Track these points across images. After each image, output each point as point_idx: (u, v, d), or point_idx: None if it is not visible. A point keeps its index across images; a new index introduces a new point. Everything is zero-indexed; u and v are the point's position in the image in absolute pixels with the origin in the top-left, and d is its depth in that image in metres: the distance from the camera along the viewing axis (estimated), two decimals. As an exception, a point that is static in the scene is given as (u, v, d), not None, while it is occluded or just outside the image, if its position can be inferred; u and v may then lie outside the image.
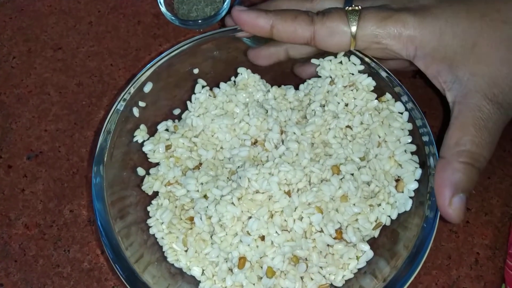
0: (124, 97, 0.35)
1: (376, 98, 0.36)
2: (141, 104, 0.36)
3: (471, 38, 0.31)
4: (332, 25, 0.33)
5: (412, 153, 0.34)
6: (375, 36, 0.32)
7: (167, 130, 0.39)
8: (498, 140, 0.32)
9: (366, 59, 0.36)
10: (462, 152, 0.30)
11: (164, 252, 0.35)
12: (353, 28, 0.33)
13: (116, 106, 0.35)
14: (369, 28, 0.32)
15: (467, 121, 0.30)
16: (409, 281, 0.30)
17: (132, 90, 0.35)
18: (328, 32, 0.33)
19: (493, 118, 0.30)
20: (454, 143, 0.30)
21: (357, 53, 0.36)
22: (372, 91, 0.36)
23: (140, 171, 0.37)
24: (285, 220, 0.33)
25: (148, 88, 0.36)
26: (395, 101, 0.36)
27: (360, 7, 0.33)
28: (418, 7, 0.32)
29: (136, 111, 0.36)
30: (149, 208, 0.36)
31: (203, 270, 0.34)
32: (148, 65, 0.36)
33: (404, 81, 0.45)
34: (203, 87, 0.39)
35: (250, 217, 0.33)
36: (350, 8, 0.33)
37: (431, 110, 0.45)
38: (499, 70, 0.30)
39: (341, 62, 0.37)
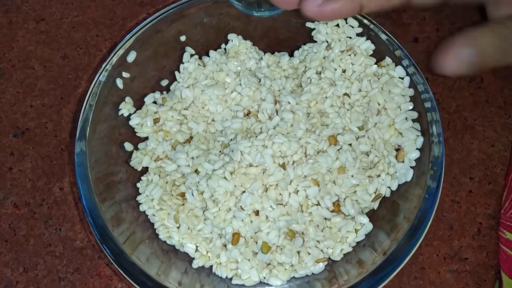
0: (106, 67, 0.33)
1: (376, 63, 0.35)
2: (125, 74, 0.35)
3: None
4: None
5: (414, 120, 0.33)
6: None
7: (155, 102, 0.37)
8: None
9: (365, 21, 0.34)
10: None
11: (155, 229, 0.34)
12: None
13: (98, 77, 0.33)
14: None
15: None
16: (411, 254, 0.29)
17: (114, 59, 0.33)
18: None
19: None
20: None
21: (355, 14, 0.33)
22: (371, 55, 0.35)
23: (128, 146, 0.36)
24: (280, 194, 0.32)
25: (131, 57, 0.34)
26: (396, 65, 0.34)
27: None
28: None
29: (120, 83, 0.34)
30: (138, 185, 0.35)
31: (196, 247, 0.34)
32: (131, 33, 0.34)
33: (406, 45, 0.43)
34: (191, 55, 0.37)
35: (243, 192, 0.32)
36: None
37: (433, 76, 0.43)
38: None
39: (337, 25, 0.35)
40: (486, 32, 0.26)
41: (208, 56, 0.38)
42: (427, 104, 0.31)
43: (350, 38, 0.35)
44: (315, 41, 0.36)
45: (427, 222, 0.28)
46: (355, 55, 0.35)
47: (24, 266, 0.38)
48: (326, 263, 0.32)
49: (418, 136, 0.32)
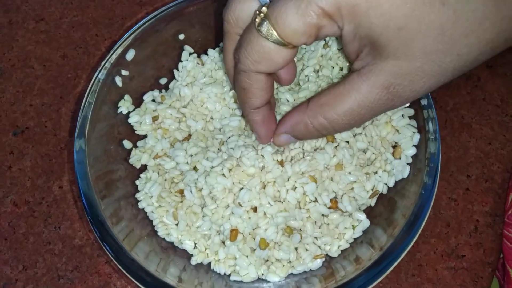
0: (105, 65, 0.33)
1: (372, 61, 0.34)
2: (124, 73, 0.35)
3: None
4: None
5: (410, 117, 0.33)
6: None
7: (153, 100, 0.37)
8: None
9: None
10: (323, 117, 0.27)
11: (154, 226, 0.34)
12: None
13: (97, 75, 0.33)
14: None
15: (352, 94, 0.26)
16: (407, 249, 0.29)
17: (113, 58, 0.33)
18: None
19: (379, 106, 0.26)
20: (324, 104, 0.27)
21: None
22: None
23: (127, 144, 0.36)
24: (278, 191, 0.32)
25: (130, 55, 0.34)
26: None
27: None
28: None
29: (119, 80, 0.35)
30: (137, 182, 0.35)
31: (195, 244, 0.34)
32: (130, 31, 0.34)
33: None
34: (190, 54, 0.38)
35: (241, 188, 0.32)
36: None
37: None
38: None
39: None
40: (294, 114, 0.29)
41: (207, 54, 0.38)
42: (424, 101, 0.32)
43: (347, 36, 0.35)
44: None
45: (423, 218, 0.29)
46: (352, 53, 0.35)
47: (23, 264, 0.38)
48: (323, 259, 0.32)
49: (415, 133, 0.32)
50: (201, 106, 0.37)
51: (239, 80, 0.28)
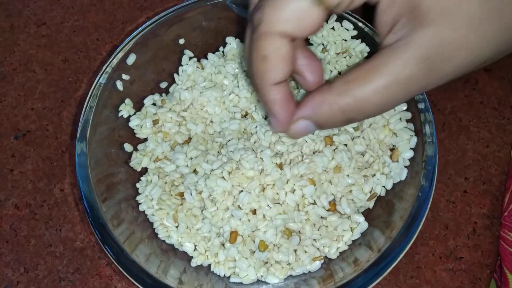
0: (107, 69, 0.34)
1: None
2: (125, 77, 0.35)
3: None
4: None
5: (407, 121, 0.33)
6: None
7: (154, 104, 0.37)
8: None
9: (360, 24, 0.34)
10: (350, 95, 0.23)
11: (155, 228, 0.35)
12: None
13: (99, 80, 0.33)
14: None
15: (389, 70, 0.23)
16: (404, 251, 0.29)
17: (114, 62, 0.34)
18: None
19: (414, 83, 0.23)
20: (353, 80, 0.23)
21: (350, 17, 0.34)
22: (366, 57, 0.35)
23: (128, 147, 0.36)
24: (277, 193, 0.32)
25: (131, 60, 0.35)
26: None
27: None
28: None
29: (119, 84, 0.35)
30: (138, 185, 0.36)
31: (195, 246, 0.34)
32: (131, 36, 0.34)
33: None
34: (190, 58, 0.38)
35: (241, 191, 0.32)
36: None
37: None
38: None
39: (333, 28, 0.35)
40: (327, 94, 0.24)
41: (207, 58, 0.38)
42: (421, 105, 0.32)
43: (345, 40, 0.35)
44: (311, 44, 0.37)
45: (420, 219, 0.29)
46: (350, 57, 0.35)
47: (25, 266, 0.38)
48: (322, 261, 0.32)
49: (412, 136, 0.33)
50: (201, 109, 0.37)
51: (258, 48, 0.24)
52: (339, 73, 0.36)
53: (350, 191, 0.33)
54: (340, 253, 0.33)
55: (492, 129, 0.42)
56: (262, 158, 0.32)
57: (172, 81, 0.39)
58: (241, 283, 0.33)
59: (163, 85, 0.39)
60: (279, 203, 0.32)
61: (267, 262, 0.33)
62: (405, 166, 0.33)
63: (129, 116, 0.36)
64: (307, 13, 0.22)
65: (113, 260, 0.30)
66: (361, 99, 0.23)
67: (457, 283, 0.36)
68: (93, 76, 0.45)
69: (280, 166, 0.33)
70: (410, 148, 0.33)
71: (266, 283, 0.32)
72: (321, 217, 0.32)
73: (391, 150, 0.33)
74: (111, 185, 0.34)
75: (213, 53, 0.39)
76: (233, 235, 0.32)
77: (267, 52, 0.24)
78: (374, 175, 0.33)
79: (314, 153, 0.33)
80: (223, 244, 0.33)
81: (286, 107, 0.26)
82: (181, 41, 0.38)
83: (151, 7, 0.48)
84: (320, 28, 0.24)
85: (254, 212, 0.32)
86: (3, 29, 0.47)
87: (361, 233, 0.33)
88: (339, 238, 0.33)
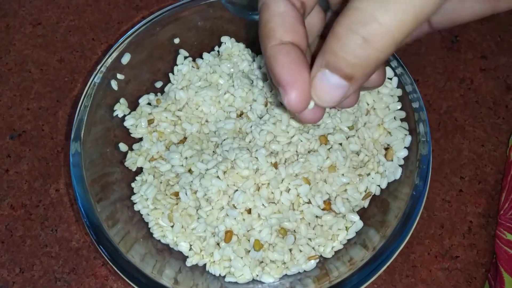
0: (101, 69, 0.34)
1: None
2: (120, 76, 0.35)
3: None
4: None
5: (402, 120, 0.33)
6: None
7: (149, 104, 0.37)
8: None
9: None
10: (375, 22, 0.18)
11: (150, 228, 0.34)
12: None
13: (93, 79, 0.33)
14: None
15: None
16: (399, 250, 0.29)
17: (109, 61, 0.34)
18: None
19: None
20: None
21: None
22: None
23: (123, 147, 0.36)
24: (272, 192, 0.32)
25: (126, 59, 0.35)
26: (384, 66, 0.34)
27: None
28: None
29: (114, 84, 0.35)
30: (133, 185, 0.36)
31: (190, 245, 0.34)
32: (125, 35, 0.34)
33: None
34: (185, 58, 0.38)
35: (236, 190, 0.32)
36: None
37: (424, 78, 0.44)
38: None
39: (328, 28, 0.35)
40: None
41: (202, 58, 0.38)
42: (415, 104, 0.32)
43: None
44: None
45: (414, 218, 0.29)
46: None
47: (20, 266, 0.38)
48: (317, 260, 0.32)
49: (406, 135, 0.33)
50: (196, 109, 0.37)
51: (263, 9, 0.22)
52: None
53: (345, 190, 0.33)
54: (335, 252, 0.33)
55: (488, 128, 0.42)
56: (257, 158, 0.32)
57: (167, 81, 0.39)
58: (236, 283, 0.33)
59: (158, 84, 0.39)
60: (274, 203, 0.32)
61: (262, 262, 0.33)
62: (400, 165, 0.33)
63: (124, 115, 0.36)
64: None
65: (108, 261, 0.30)
66: (385, 24, 0.18)
67: (452, 282, 0.37)
68: (89, 75, 0.45)
69: (275, 165, 0.33)
70: (405, 147, 0.33)
71: (261, 282, 0.32)
72: (316, 216, 0.32)
73: (386, 149, 0.33)
74: (106, 185, 0.34)
75: (208, 52, 0.39)
76: (228, 234, 0.32)
77: (271, 13, 0.21)
78: (369, 174, 0.33)
79: (309, 152, 0.33)
80: (218, 244, 0.33)
81: (292, 68, 0.21)
82: (176, 40, 0.38)
83: (146, 6, 0.48)
84: None
85: (249, 211, 0.32)
86: (-1, 29, 0.47)
87: (356, 232, 0.33)
88: (334, 237, 0.33)
